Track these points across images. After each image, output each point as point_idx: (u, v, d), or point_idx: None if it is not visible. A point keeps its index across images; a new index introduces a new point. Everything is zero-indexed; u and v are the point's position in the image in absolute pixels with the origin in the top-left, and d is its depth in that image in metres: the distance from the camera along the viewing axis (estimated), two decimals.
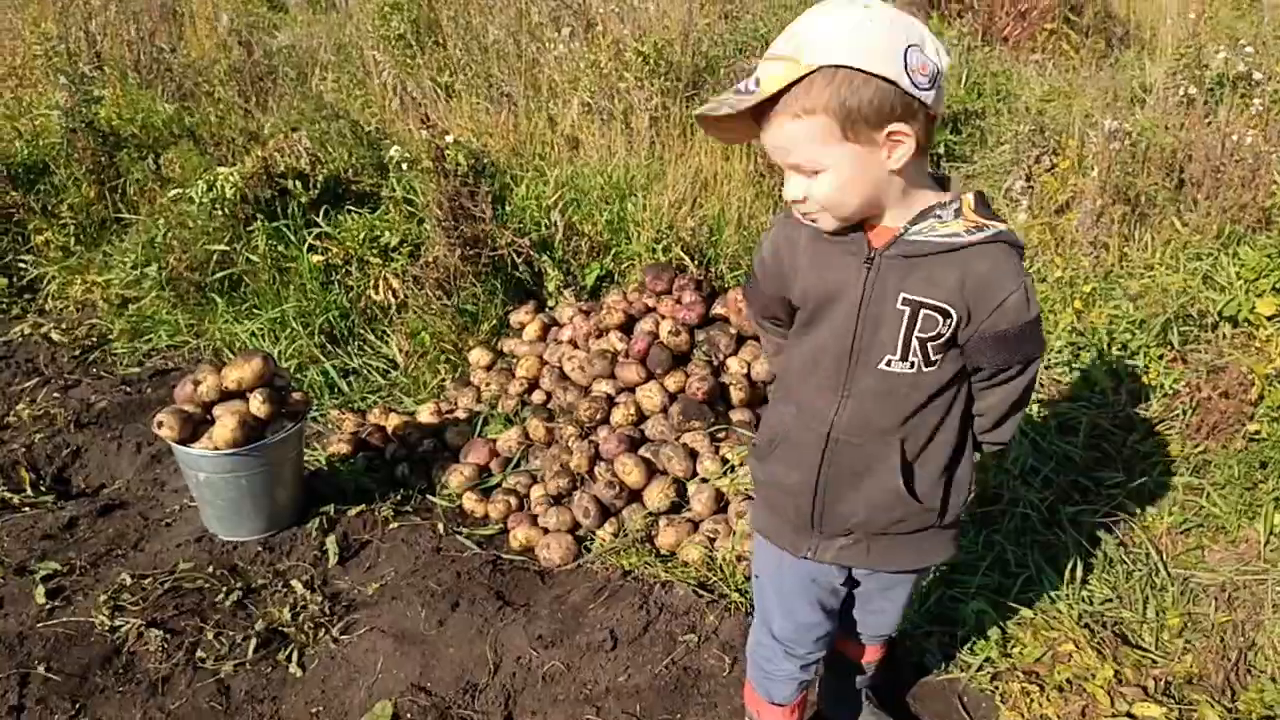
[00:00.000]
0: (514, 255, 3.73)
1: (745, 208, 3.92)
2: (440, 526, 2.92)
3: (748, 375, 3.23)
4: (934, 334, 1.40)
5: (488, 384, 3.48)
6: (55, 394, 3.70)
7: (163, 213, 4.24)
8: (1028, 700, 2.22)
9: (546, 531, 2.84)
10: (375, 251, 3.86)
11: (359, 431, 3.32)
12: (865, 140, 1.27)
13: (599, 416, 3.14)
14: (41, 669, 2.35)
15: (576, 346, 3.47)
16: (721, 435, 3.05)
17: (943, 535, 1.62)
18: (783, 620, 1.76)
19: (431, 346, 3.68)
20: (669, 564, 2.72)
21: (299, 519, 2.94)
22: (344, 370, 3.73)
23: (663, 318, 3.38)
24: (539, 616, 2.54)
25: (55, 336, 4.11)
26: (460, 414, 3.42)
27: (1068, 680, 2.25)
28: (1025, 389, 1.50)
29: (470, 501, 3.01)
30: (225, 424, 2.69)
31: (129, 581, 2.66)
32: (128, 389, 3.75)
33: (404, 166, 3.99)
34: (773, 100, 1.26)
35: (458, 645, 2.45)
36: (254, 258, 3.92)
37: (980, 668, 2.32)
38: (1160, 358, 3.14)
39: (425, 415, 3.39)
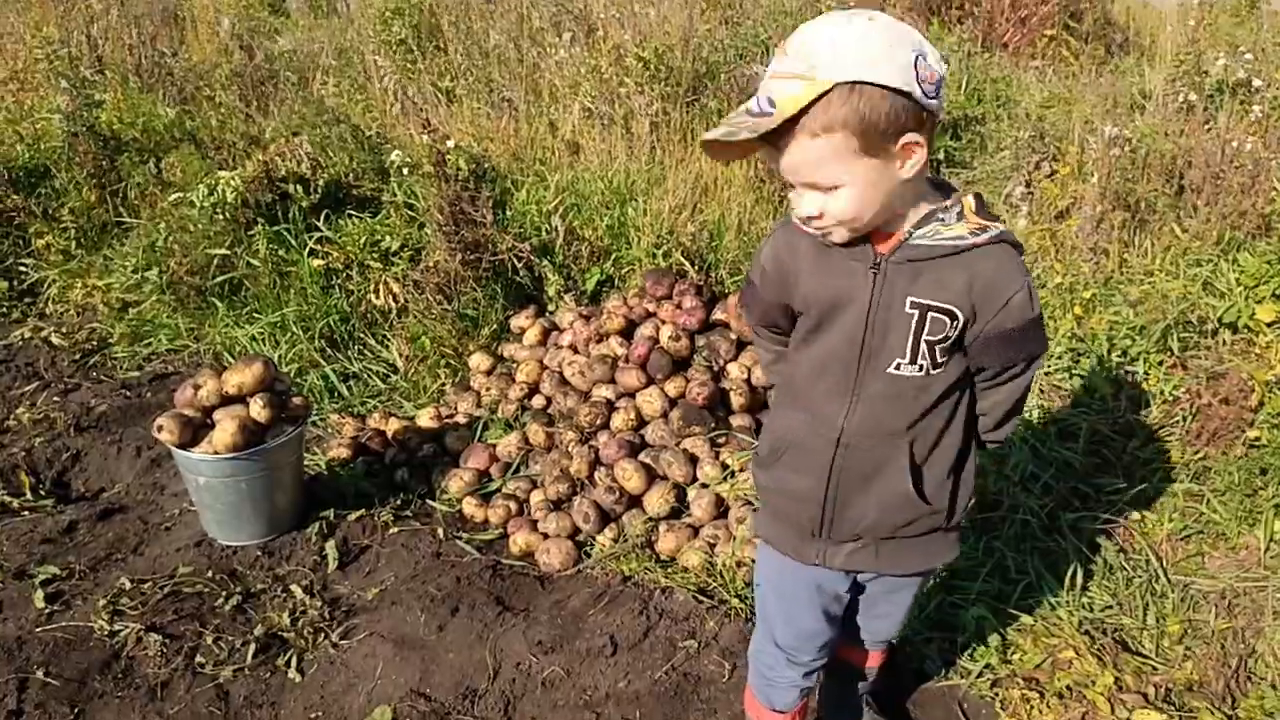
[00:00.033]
0: (514, 260, 3.74)
1: (745, 213, 3.92)
2: (440, 531, 2.92)
3: (748, 380, 3.23)
4: (941, 336, 1.41)
5: (488, 389, 3.48)
6: (55, 398, 3.70)
7: (163, 217, 4.25)
8: (1028, 707, 2.22)
9: (546, 537, 2.84)
10: (376, 256, 3.87)
11: (359, 436, 3.32)
12: (882, 153, 1.27)
13: (599, 421, 3.14)
14: (40, 674, 2.35)
15: (577, 351, 3.47)
16: (722, 440, 3.05)
17: (948, 536, 1.63)
18: (785, 628, 1.76)
19: (432, 351, 3.68)
20: (669, 569, 2.72)
21: (299, 523, 2.94)
22: (344, 374, 3.73)
23: (663, 323, 3.38)
24: (539, 622, 2.54)
25: (55, 340, 4.11)
26: (460, 419, 3.42)
27: (1068, 687, 2.25)
28: (1027, 387, 1.53)
29: (470, 506, 3.00)
30: (225, 428, 2.69)
31: (128, 586, 2.66)
32: (128, 393, 3.75)
33: (405, 171, 4.00)
34: (789, 120, 1.23)
35: (457, 651, 2.45)
36: (255, 262, 3.93)
37: (980, 674, 2.32)
38: (1160, 364, 3.14)
39: (425, 420, 3.39)
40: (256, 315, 3.91)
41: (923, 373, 1.44)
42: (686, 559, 2.72)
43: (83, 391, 3.76)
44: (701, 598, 2.58)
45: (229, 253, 3.98)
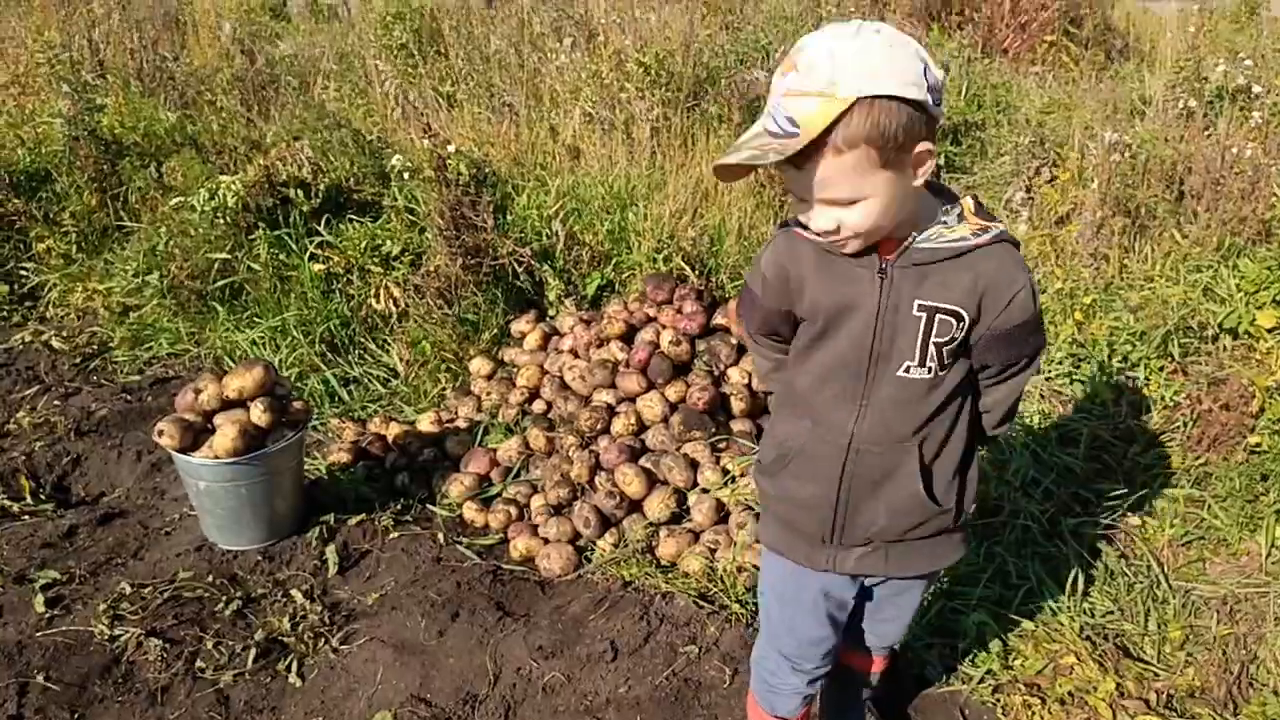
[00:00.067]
0: (515, 264, 3.74)
1: (746, 218, 3.92)
2: (440, 536, 2.91)
3: (749, 385, 3.23)
4: (949, 338, 1.42)
5: (488, 393, 3.48)
6: (56, 402, 3.70)
7: (164, 221, 4.25)
8: (1029, 713, 2.22)
9: (547, 542, 2.83)
10: (376, 260, 3.87)
11: (359, 440, 3.32)
12: (899, 164, 1.27)
13: (599, 426, 3.14)
14: (40, 678, 2.34)
15: (577, 356, 3.47)
16: (722, 446, 3.05)
17: (954, 537, 1.64)
18: (790, 635, 1.76)
19: (432, 355, 3.68)
20: (669, 575, 2.71)
21: (299, 528, 2.93)
22: (344, 379, 3.73)
23: (664, 327, 3.38)
24: (539, 627, 2.53)
25: (56, 344, 4.11)
26: (461, 423, 3.42)
27: (1069, 693, 2.24)
28: (1026, 382, 1.56)
29: (470, 511, 3.00)
30: (226, 433, 2.69)
31: (128, 590, 2.66)
32: (128, 397, 3.75)
33: (406, 176, 4.00)
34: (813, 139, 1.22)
35: (458, 656, 2.45)
36: (255, 266, 3.93)
37: (982, 680, 2.32)
38: (1161, 370, 3.14)
39: (426, 424, 3.39)
40: (257, 319, 3.91)
41: (931, 375, 1.45)
42: (687, 564, 2.71)
43: (83, 395, 3.76)
44: (702, 603, 2.58)
45: (230, 257, 3.98)
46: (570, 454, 3.07)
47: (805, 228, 1.42)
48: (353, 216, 4.09)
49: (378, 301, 3.80)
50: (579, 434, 3.12)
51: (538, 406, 3.38)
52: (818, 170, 1.25)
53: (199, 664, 2.41)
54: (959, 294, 1.39)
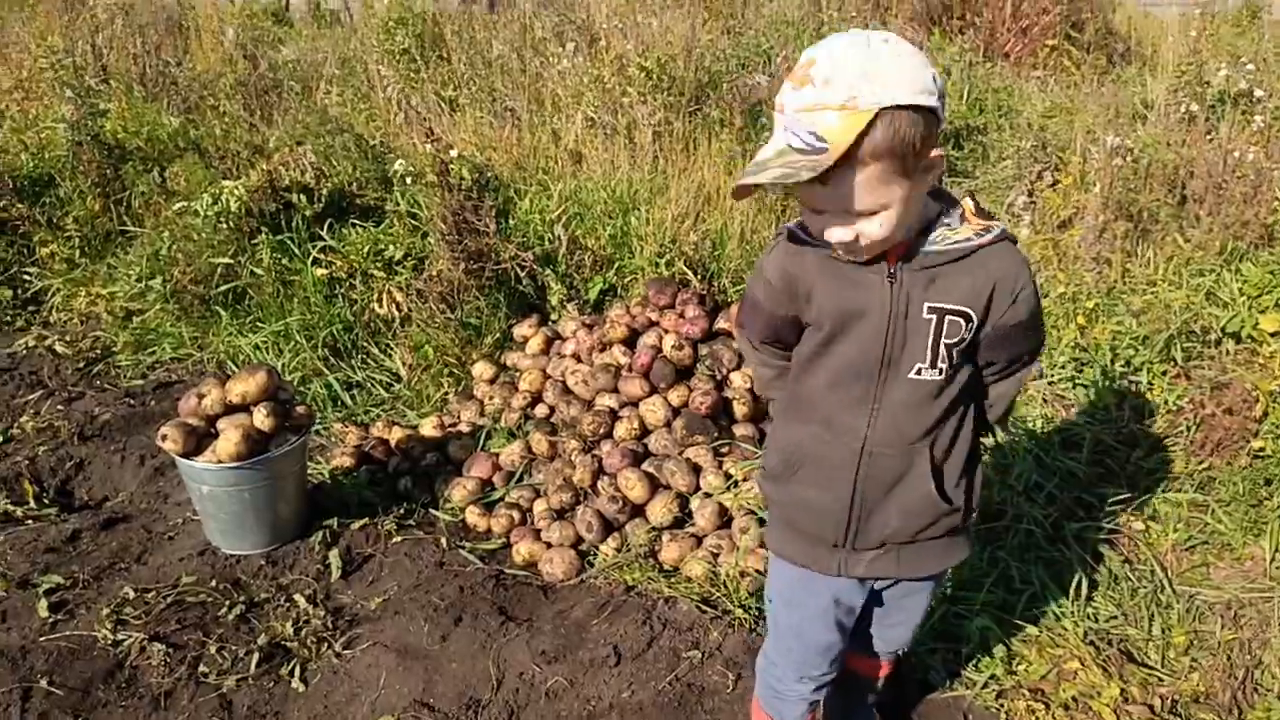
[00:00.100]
0: (517, 269, 3.74)
1: (748, 222, 3.93)
2: (443, 541, 2.91)
3: (751, 390, 3.23)
4: (958, 338, 1.44)
5: (491, 398, 3.48)
6: (59, 406, 3.70)
7: (167, 226, 4.26)
8: (1033, 718, 2.21)
9: (549, 546, 2.83)
10: (379, 265, 3.88)
11: (362, 445, 3.32)
12: (915, 172, 1.28)
13: (602, 431, 3.14)
14: (44, 683, 2.34)
15: (580, 360, 3.47)
16: (725, 450, 3.04)
17: (960, 536, 1.65)
18: (799, 642, 1.76)
19: (435, 360, 3.68)
20: (672, 579, 2.71)
21: (302, 533, 2.94)
22: (347, 383, 3.73)
23: (666, 332, 3.38)
24: (542, 632, 2.53)
25: (59, 349, 4.12)
26: (463, 427, 3.42)
27: (1073, 698, 2.24)
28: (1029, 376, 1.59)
29: (473, 515, 3.00)
30: (229, 437, 2.69)
31: (131, 595, 2.66)
32: (131, 401, 3.76)
33: (408, 180, 4.01)
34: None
35: (460, 660, 2.45)
36: (258, 271, 3.94)
37: (985, 685, 2.31)
38: (1164, 374, 3.14)
39: (428, 429, 3.39)
40: (260, 324, 3.92)
41: (941, 376, 1.46)
42: (690, 569, 2.71)
43: (86, 400, 3.77)
44: (705, 608, 2.58)
45: (233, 262, 3.98)
46: (573, 458, 3.07)
47: (808, 234, 1.42)
48: (355, 221, 4.10)
49: (380, 306, 3.81)
50: (581, 438, 3.13)
51: (540, 411, 3.38)
52: (842, 183, 1.25)
53: (202, 669, 2.41)
54: (967, 294, 1.42)
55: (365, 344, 3.84)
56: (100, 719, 2.27)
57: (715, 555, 2.73)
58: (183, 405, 2.83)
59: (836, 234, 1.34)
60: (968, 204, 1.44)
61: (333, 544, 2.89)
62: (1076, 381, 3.20)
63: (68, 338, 4.21)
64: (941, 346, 1.44)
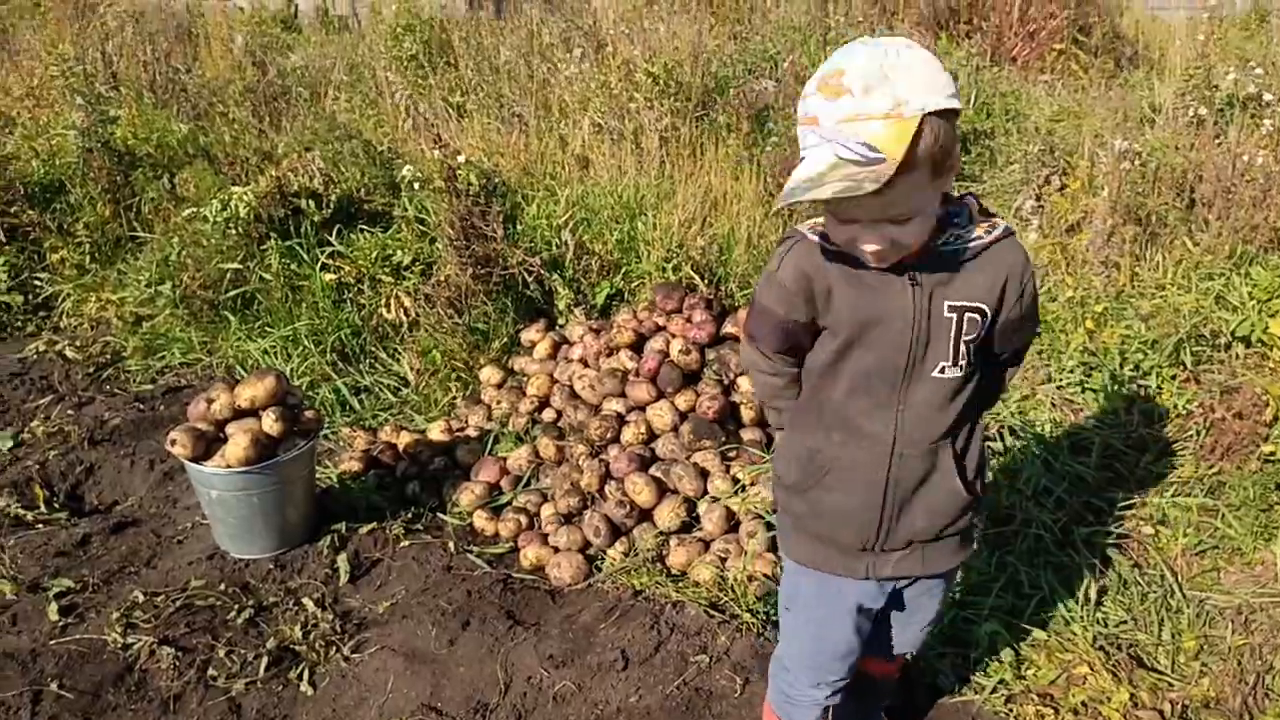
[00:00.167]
0: (525, 274, 3.75)
1: (755, 227, 3.93)
2: (451, 545, 2.92)
3: None
4: (975, 335, 1.47)
5: (498, 402, 3.49)
6: (69, 411, 3.72)
7: (177, 231, 4.28)
8: None
9: (557, 550, 2.83)
10: (387, 270, 3.89)
11: (370, 449, 3.33)
12: (942, 175, 1.30)
13: (609, 435, 3.14)
14: (54, 686, 2.35)
15: (587, 365, 3.48)
16: (732, 454, 3.04)
17: (973, 530, 1.68)
18: (818, 648, 1.75)
19: (443, 364, 3.69)
20: (680, 584, 2.71)
21: (310, 537, 2.94)
22: (355, 388, 3.74)
23: (673, 336, 3.38)
24: (550, 636, 2.53)
25: (70, 354, 4.14)
26: (471, 432, 3.43)
27: (1083, 703, 2.23)
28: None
29: (481, 520, 3.01)
30: (238, 442, 2.70)
31: (141, 599, 2.67)
32: (141, 406, 3.78)
33: (416, 186, 4.02)
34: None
35: (468, 665, 2.45)
36: (267, 276, 3.95)
37: (994, 690, 2.30)
38: (1173, 378, 3.13)
39: (436, 433, 3.40)
40: (269, 329, 3.94)
41: (962, 372, 1.49)
42: (698, 573, 2.71)
43: (96, 405, 3.78)
44: (713, 612, 2.58)
45: (242, 267, 4.00)
46: (580, 463, 3.07)
47: (827, 239, 1.42)
48: (364, 227, 4.11)
49: (388, 311, 3.82)
50: (589, 443, 3.13)
51: (548, 415, 3.39)
52: (892, 192, 1.23)
53: (211, 672, 2.42)
54: (982, 291, 1.45)
55: (373, 349, 3.86)
56: None
57: (723, 560, 2.72)
58: (192, 410, 2.84)
59: (873, 242, 1.33)
60: (971, 203, 1.46)
61: (341, 548, 2.89)
62: (1085, 386, 3.19)
63: (78, 343, 4.23)
64: (962, 344, 1.46)
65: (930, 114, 1.22)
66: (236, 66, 6.48)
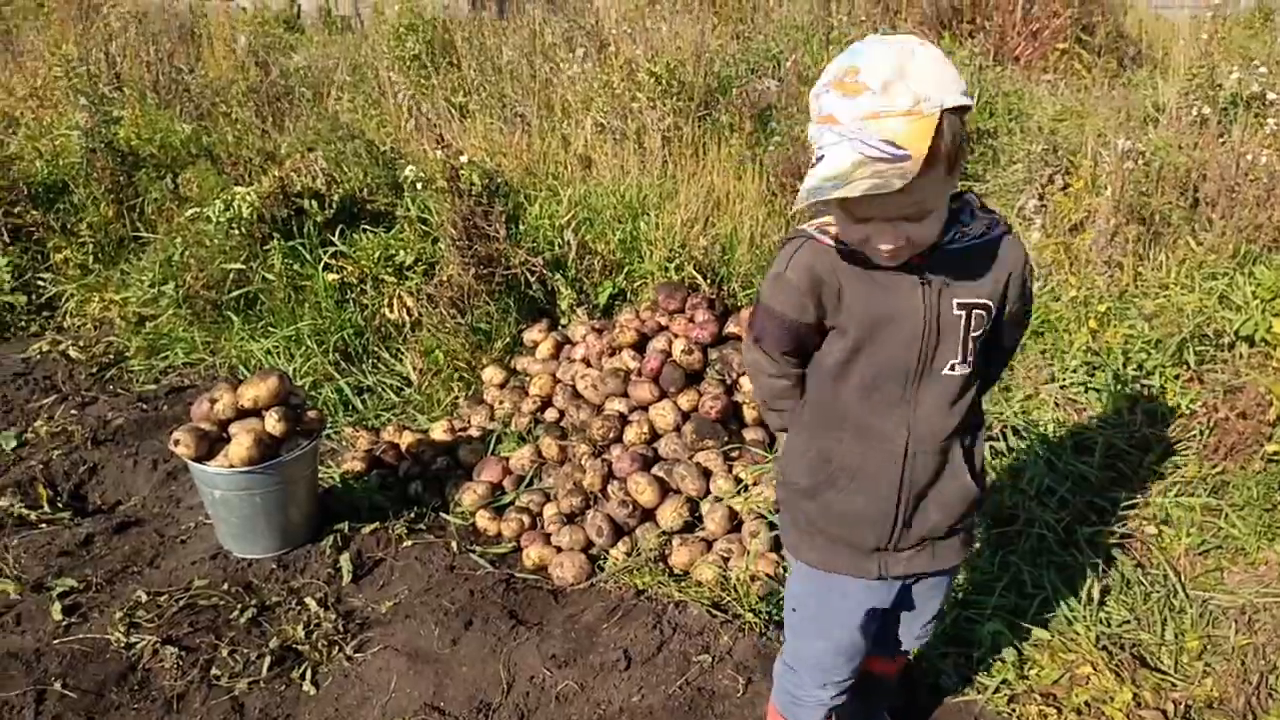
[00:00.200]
0: (527, 274, 3.75)
1: (758, 226, 3.93)
2: (453, 545, 2.92)
3: None
4: (981, 330, 1.48)
5: (501, 402, 3.49)
6: (73, 411, 3.73)
7: (180, 231, 4.29)
8: None
9: (559, 550, 2.83)
10: (390, 270, 3.89)
11: (373, 449, 3.34)
12: (954, 170, 1.31)
13: (612, 435, 3.14)
14: (58, 685, 2.36)
15: (589, 365, 3.48)
16: (735, 454, 3.04)
17: (975, 525, 1.71)
18: (825, 648, 1.74)
19: (445, 364, 3.69)
20: (682, 583, 2.71)
21: (313, 536, 2.95)
22: (358, 388, 3.74)
23: (676, 336, 3.38)
24: (552, 636, 2.53)
25: (73, 354, 4.15)
26: (473, 432, 3.43)
27: (1086, 703, 2.23)
28: None
29: (483, 520, 3.01)
30: (241, 442, 2.71)
31: (144, 598, 2.67)
32: (144, 406, 3.78)
33: (419, 186, 4.02)
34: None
35: (471, 664, 2.45)
36: (270, 276, 3.96)
37: (997, 690, 2.30)
38: (1176, 378, 3.12)
39: (439, 433, 3.40)
40: (272, 329, 3.94)
41: (970, 369, 1.49)
42: (700, 573, 2.71)
43: (100, 405, 3.79)
44: (715, 612, 2.58)
45: (244, 267, 4.01)
46: (583, 462, 3.07)
47: (833, 237, 1.42)
48: (366, 227, 4.12)
49: (391, 311, 3.82)
50: (591, 443, 3.13)
51: (550, 415, 3.39)
52: (914, 189, 1.23)
53: (214, 672, 2.42)
54: (988, 287, 1.46)
55: (376, 349, 3.86)
56: None
57: (725, 559, 2.72)
58: (195, 410, 2.84)
59: (889, 241, 1.33)
60: (970, 200, 1.47)
61: (344, 548, 2.90)
62: (1088, 385, 3.18)
63: (81, 343, 4.24)
64: (970, 341, 1.47)
65: (950, 111, 1.23)
66: (239, 67, 6.49)
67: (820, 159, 1.27)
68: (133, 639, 2.51)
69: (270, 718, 2.31)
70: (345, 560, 2.83)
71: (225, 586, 2.74)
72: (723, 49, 5.79)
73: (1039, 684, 2.31)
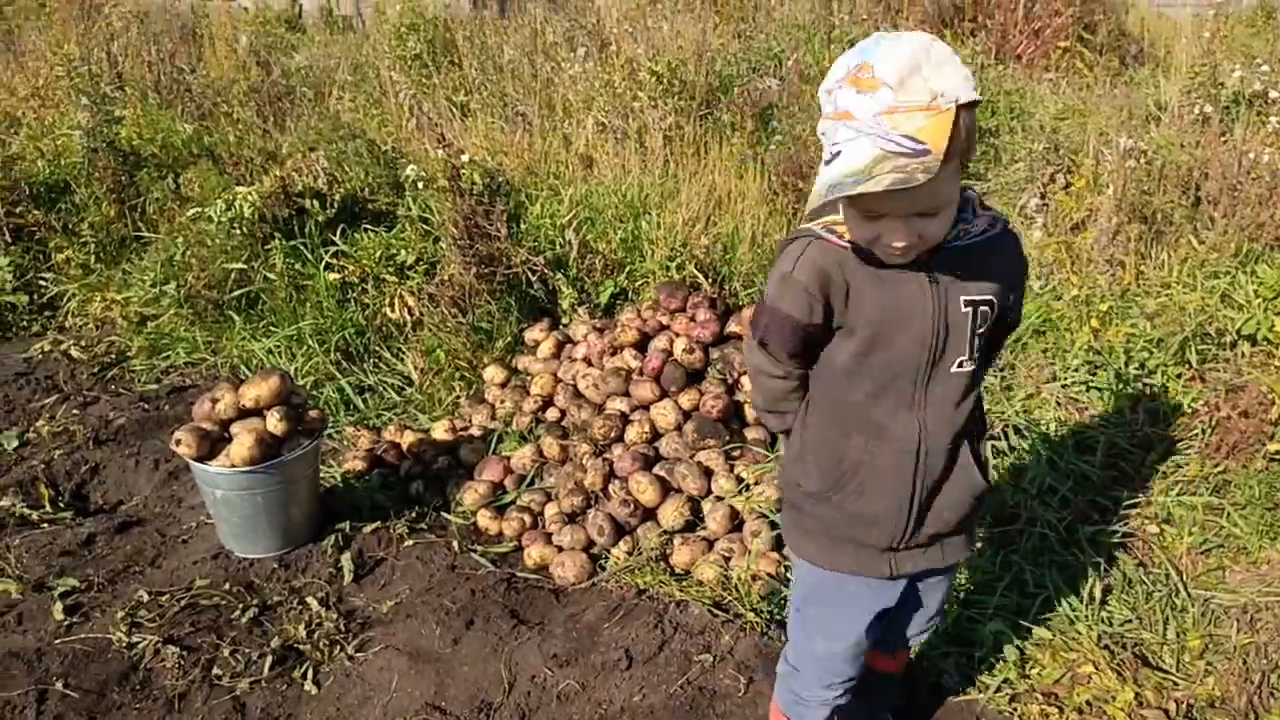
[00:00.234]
0: (529, 273, 3.75)
1: (759, 225, 3.93)
2: (455, 544, 2.92)
3: None
4: (985, 326, 1.49)
5: (502, 401, 3.49)
6: (74, 411, 3.73)
7: (181, 231, 4.29)
8: None
9: (561, 550, 2.83)
10: (391, 270, 3.89)
11: (374, 448, 3.34)
12: (963, 164, 1.32)
13: (613, 434, 3.14)
14: (59, 685, 2.36)
15: (591, 364, 3.47)
16: (736, 453, 3.04)
17: (979, 519, 1.71)
18: (829, 649, 1.74)
19: (446, 364, 3.69)
20: (684, 583, 2.71)
21: (315, 536, 2.95)
22: (359, 387, 3.74)
23: (677, 335, 3.38)
24: (554, 635, 2.53)
25: (75, 353, 4.15)
26: (475, 431, 3.43)
27: (1087, 702, 2.23)
28: None
29: (485, 519, 3.01)
30: (242, 441, 2.71)
31: (146, 598, 2.67)
32: (146, 406, 3.78)
33: (420, 185, 4.02)
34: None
35: (472, 664, 2.45)
36: (271, 276, 3.96)
37: (999, 689, 2.30)
38: (1178, 377, 3.12)
39: (440, 432, 3.40)
40: (273, 329, 3.94)
41: (975, 365, 1.50)
42: (701, 572, 2.71)
43: (101, 404, 3.79)
44: (717, 611, 2.57)
45: (246, 267, 4.01)
46: (584, 462, 3.07)
47: (840, 237, 1.42)
48: (368, 226, 4.12)
49: (392, 310, 3.82)
50: (593, 442, 3.13)
51: (551, 414, 3.39)
52: (932, 184, 1.23)
53: (215, 671, 2.42)
54: (991, 283, 1.47)
55: (377, 348, 3.86)
56: None
57: (727, 559, 2.72)
58: (196, 410, 2.85)
59: (902, 238, 1.33)
60: (971, 196, 1.47)
61: (345, 547, 2.90)
62: (1090, 384, 3.18)
63: (83, 343, 4.24)
64: (976, 337, 1.48)
65: (965, 106, 1.24)
66: (241, 67, 6.50)
67: (836, 155, 1.26)
68: (134, 639, 2.52)
69: (272, 717, 2.31)
70: (347, 560, 2.83)
71: (227, 586, 2.74)
72: (724, 48, 5.79)
73: (1041, 683, 2.31)
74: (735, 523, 2.83)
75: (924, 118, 1.22)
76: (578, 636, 2.53)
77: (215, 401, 2.79)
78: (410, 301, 3.81)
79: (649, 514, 2.92)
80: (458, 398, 3.64)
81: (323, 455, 3.28)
